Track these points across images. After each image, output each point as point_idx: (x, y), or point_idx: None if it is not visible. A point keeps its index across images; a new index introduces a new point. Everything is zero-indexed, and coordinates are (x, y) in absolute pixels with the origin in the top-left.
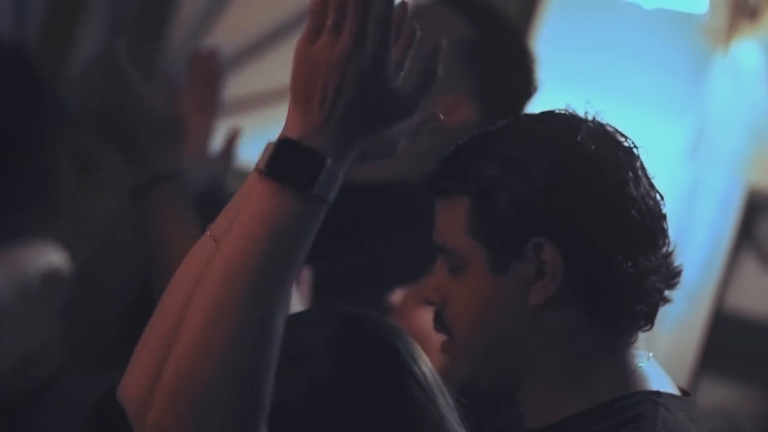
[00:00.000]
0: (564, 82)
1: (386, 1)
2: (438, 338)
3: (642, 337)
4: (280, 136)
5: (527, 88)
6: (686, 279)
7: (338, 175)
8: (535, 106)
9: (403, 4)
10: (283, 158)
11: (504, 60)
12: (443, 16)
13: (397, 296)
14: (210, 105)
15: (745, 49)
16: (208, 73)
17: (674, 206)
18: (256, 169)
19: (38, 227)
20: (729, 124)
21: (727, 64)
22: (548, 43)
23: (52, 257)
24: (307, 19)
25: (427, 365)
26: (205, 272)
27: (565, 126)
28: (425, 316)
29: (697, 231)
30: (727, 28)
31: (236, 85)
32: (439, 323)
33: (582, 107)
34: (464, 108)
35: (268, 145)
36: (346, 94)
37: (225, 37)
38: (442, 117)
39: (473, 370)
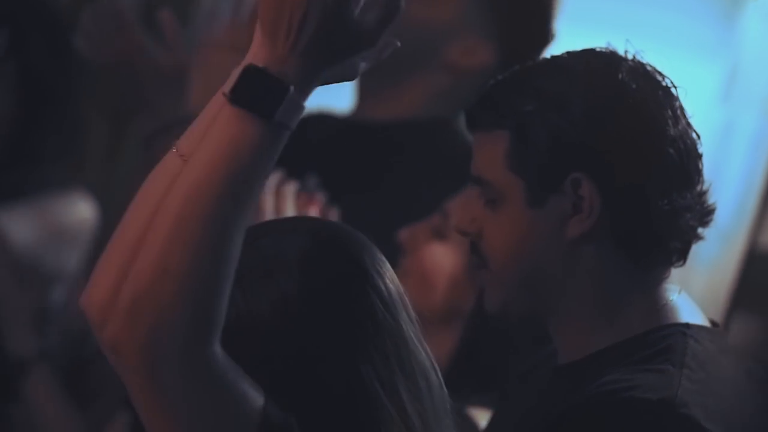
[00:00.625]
0: (595, 25)
1: None
2: (443, 275)
3: (676, 277)
4: (245, 63)
5: (545, 36)
6: (720, 219)
7: (300, 103)
8: (566, 47)
9: None
10: (247, 85)
11: (523, 7)
12: None
13: (405, 232)
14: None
15: None
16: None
17: (707, 147)
18: (222, 93)
19: (69, 178)
20: (761, 65)
21: (759, 6)
22: None
23: (83, 208)
24: None
25: (393, 281)
26: (168, 192)
27: (605, 63)
28: (434, 253)
29: (730, 171)
30: None
31: None
32: (475, 254)
33: (622, 47)
34: (482, 51)
35: (234, 72)
36: (310, 26)
37: None
38: (457, 58)
39: (506, 299)
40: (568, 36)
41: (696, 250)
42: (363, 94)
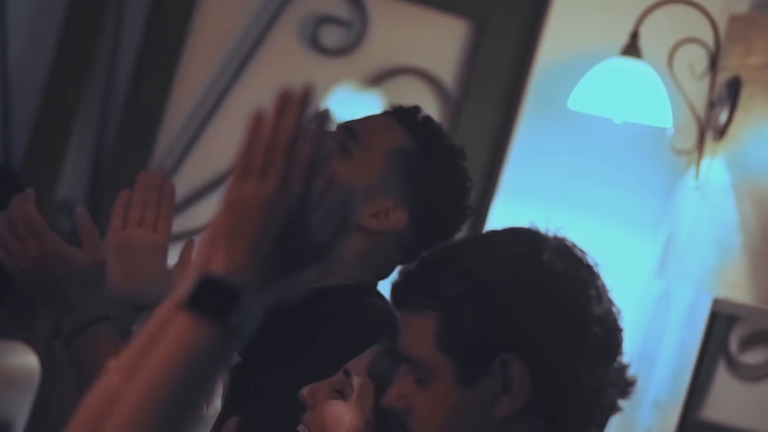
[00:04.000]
0: (537, 199)
1: (312, 146)
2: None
3: None
4: (202, 270)
5: (459, 203)
6: (657, 389)
7: (254, 312)
8: (509, 219)
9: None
10: (205, 293)
11: (438, 173)
12: (389, 126)
13: (306, 389)
14: (161, 222)
15: (712, 165)
16: (158, 193)
17: (644, 318)
18: (176, 300)
19: (10, 326)
20: (697, 238)
21: (695, 180)
22: (521, 155)
23: (27, 356)
24: (235, 162)
25: None
26: (119, 399)
27: (530, 244)
28: (333, 410)
29: (666, 342)
30: (694, 145)
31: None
32: (400, 428)
33: (544, 223)
34: (396, 213)
35: (188, 278)
36: (270, 235)
37: (201, 168)
38: (370, 219)
39: None
40: (509, 210)
41: (633, 421)
42: None
